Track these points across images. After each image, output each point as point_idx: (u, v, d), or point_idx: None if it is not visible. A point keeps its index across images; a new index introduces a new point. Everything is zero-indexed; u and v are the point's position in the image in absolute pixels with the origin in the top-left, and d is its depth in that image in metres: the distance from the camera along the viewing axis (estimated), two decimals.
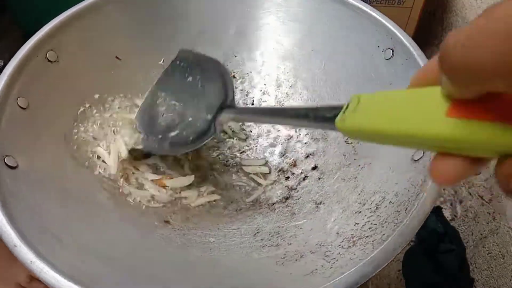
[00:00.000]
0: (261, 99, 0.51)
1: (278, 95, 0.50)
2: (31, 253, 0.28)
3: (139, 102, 0.49)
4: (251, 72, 0.52)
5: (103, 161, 0.43)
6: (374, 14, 0.42)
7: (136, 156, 0.45)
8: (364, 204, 0.35)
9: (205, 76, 0.42)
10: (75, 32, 0.44)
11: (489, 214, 0.76)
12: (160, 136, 0.41)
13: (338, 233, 0.33)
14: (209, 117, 0.38)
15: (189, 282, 0.33)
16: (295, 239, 0.35)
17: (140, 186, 0.44)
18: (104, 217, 0.38)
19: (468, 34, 0.13)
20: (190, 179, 0.44)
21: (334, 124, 0.21)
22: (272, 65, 0.51)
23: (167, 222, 0.40)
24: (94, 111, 0.46)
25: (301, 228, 0.37)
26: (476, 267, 0.75)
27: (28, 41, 0.41)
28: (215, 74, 0.42)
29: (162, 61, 0.50)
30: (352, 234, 0.32)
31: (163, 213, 0.41)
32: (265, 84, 0.51)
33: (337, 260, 0.30)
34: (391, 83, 0.40)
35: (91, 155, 0.43)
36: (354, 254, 0.30)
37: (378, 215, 0.33)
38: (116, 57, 0.48)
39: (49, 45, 0.42)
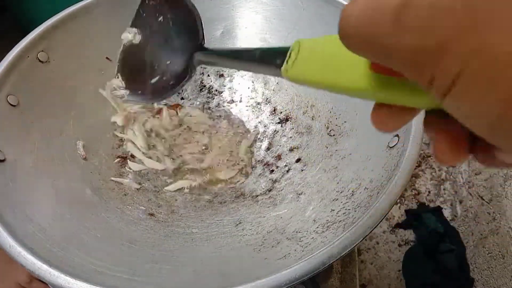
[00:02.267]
0: (249, 96, 0.52)
1: (265, 92, 0.51)
2: (10, 237, 0.29)
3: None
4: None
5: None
6: None
7: None
8: (341, 192, 0.35)
9: (174, 14, 0.38)
10: (66, 34, 0.46)
11: (489, 214, 0.75)
12: (143, 85, 0.38)
13: (314, 220, 0.34)
14: (185, 59, 0.35)
15: (169, 270, 0.34)
16: (274, 228, 0.36)
17: None
18: (90, 211, 0.39)
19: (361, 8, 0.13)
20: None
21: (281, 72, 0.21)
22: None
23: (151, 215, 0.41)
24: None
25: (281, 218, 0.37)
26: (476, 267, 0.73)
27: (19, 42, 0.42)
28: (183, 10, 0.37)
29: None
30: (328, 220, 0.33)
31: (149, 206, 0.42)
32: (252, 82, 0.52)
33: (309, 244, 0.30)
34: None
35: (79, 151, 0.44)
36: (326, 237, 0.30)
37: (353, 201, 0.33)
38: (107, 58, 0.49)
39: (40, 46, 0.43)
